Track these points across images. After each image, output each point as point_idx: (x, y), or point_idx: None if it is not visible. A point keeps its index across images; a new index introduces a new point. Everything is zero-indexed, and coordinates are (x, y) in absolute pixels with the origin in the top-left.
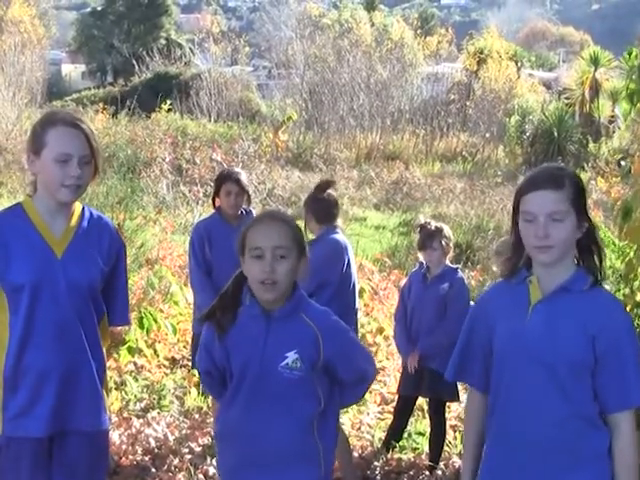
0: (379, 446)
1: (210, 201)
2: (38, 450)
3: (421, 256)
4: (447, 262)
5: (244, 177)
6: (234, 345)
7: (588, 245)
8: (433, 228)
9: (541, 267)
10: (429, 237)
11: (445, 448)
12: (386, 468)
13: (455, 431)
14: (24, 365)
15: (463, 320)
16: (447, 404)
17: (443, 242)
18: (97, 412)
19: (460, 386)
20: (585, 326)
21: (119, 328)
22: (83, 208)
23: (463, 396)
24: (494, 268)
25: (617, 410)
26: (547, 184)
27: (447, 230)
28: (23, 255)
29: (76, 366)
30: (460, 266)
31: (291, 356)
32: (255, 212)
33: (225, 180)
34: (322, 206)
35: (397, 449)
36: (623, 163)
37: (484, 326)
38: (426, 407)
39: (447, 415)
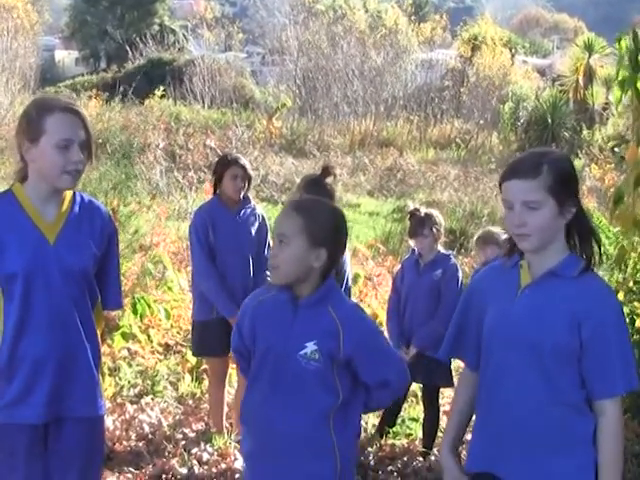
0: (373, 432)
1: (203, 187)
2: (34, 438)
3: (412, 243)
4: (440, 248)
5: (247, 163)
6: (261, 328)
7: (579, 230)
8: (422, 215)
9: (531, 252)
10: (419, 224)
11: (439, 434)
12: (380, 454)
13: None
14: (20, 353)
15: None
16: (440, 390)
17: (434, 229)
18: (93, 398)
19: (455, 372)
20: (571, 312)
21: (113, 313)
22: (74, 193)
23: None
24: (477, 257)
25: (602, 397)
26: (521, 173)
27: (437, 216)
28: (15, 243)
29: (72, 352)
30: (453, 252)
31: (310, 346)
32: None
33: (231, 164)
34: (320, 191)
35: (391, 435)
36: (617, 150)
37: (477, 305)
38: (420, 393)
39: (441, 401)
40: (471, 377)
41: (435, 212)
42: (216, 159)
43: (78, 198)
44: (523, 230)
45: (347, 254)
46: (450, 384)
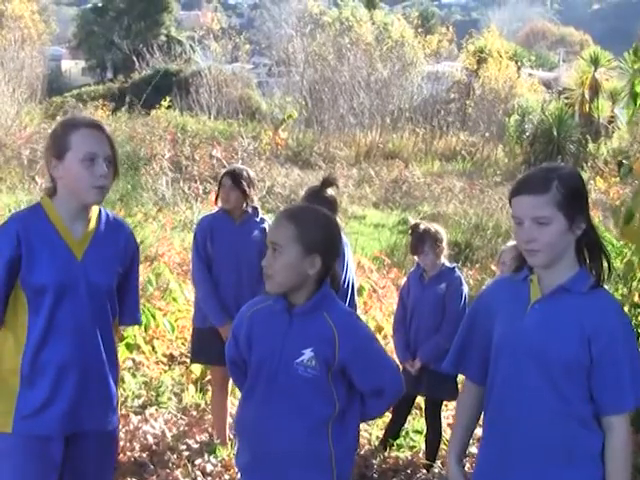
0: (377, 444)
1: (209, 198)
2: (51, 451)
3: (416, 258)
4: (444, 261)
5: (247, 174)
6: (257, 338)
7: (588, 246)
8: (421, 231)
9: (542, 267)
10: (419, 241)
11: (442, 446)
12: (383, 466)
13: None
14: (43, 360)
15: (461, 319)
16: (444, 403)
17: (434, 245)
18: (110, 412)
19: (460, 385)
20: (581, 327)
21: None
22: (100, 210)
23: None
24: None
25: (611, 413)
26: (531, 189)
27: (438, 231)
28: (46, 258)
29: (92, 366)
30: (458, 265)
31: (307, 353)
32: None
33: (224, 174)
34: (320, 201)
35: (395, 447)
36: (626, 162)
37: (485, 320)
38: (424, 406)
39: (445, 413)
40: (474, 390)
41: (435, 227)
42: (222, 170)
43: (104, 215)
44: (533, 246)
45: (352, 263)
46: (455, 398)
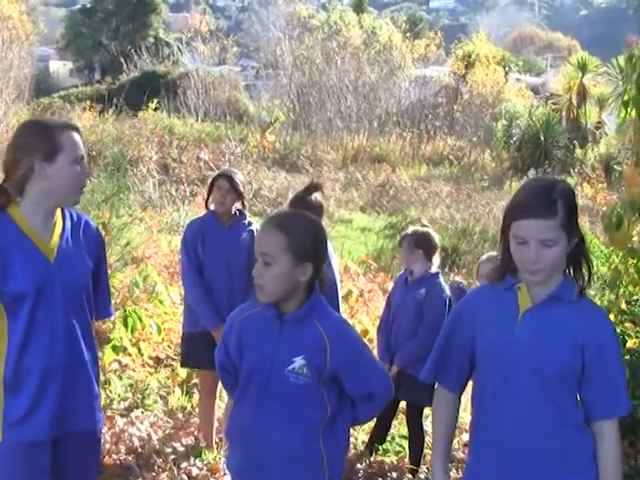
0: (362, 449)
1: (196, 200)
2: (40, 455)
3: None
4: (433, 268)
5: (239, 178)
6: (247, 344)
7: (577, 257)
8: (413, 234)
9: (537, 284)
10: (408, 244)
11: (427, 451)
12: (369, 471)
13: None
14: (25, 366)
15: (440, 325)
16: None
17: (419, 249)
18: (93, 411)
19: None
20: (574, 335)
21: (104, 326)
22: (62, 209)
23: None
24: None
25: (603, 418)
26: (539, 212)
27: (429, 236)
28: (20, 264)
29: (75, 366)
30: (439, 271)
31: (298, 361)
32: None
33: (218, 177)
34: (306, 208)
35: (380, 452)
36: (617, 167)
37: (466, 329)
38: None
39: (427, 418)
40: (450, 398)
41: (422, 231)
42: (209, 173)
43: (67, 214)
44: (538, 266)
45: (335, 263)
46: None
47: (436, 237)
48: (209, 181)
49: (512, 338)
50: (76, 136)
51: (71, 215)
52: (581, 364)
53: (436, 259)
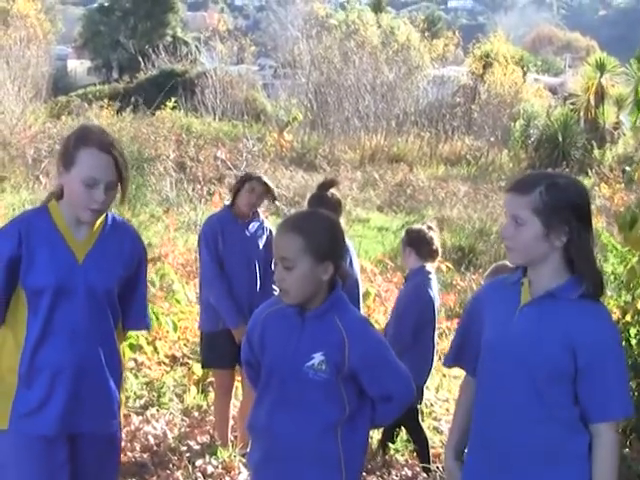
0: (375, 447)
1: (212, 199)
2: (56, 448)
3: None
4: (429, 266)
5: (270, 182)
6: (269, 340)
7: (576, 258)
8: (409, 232)
9: (529, 270)
10: (403, 241)
11: (441, 449)
12: (383, 469)
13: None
14: (38, 363)
15: (404, 321)
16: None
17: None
18: (109, 415)
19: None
20: (567, 334)
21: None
22: (106, 214)
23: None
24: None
25: (598, 421)
26: (516, 188)
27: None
28: (45, 259)
29: (88, 369)
30: (424, 265)
31: (317, 357)
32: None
33: (252, 178)
34: (325, 205)
35: (393, 450)
36: (628, 168)
37: (477, 319)
38: (426, 409)
39: (447, 418)
40: (473, 384)
41: (415, 229)
42: (226, 172)
43: (110, 219)
44: (508, 243)
45: (356, 261)
46: (419, 400)
47: (433, 235)
48: (237, 181)
49: (506, 331)
50: (98, 157)
51: (114, 220)
52: (573, 364)
53: (433, 257)
